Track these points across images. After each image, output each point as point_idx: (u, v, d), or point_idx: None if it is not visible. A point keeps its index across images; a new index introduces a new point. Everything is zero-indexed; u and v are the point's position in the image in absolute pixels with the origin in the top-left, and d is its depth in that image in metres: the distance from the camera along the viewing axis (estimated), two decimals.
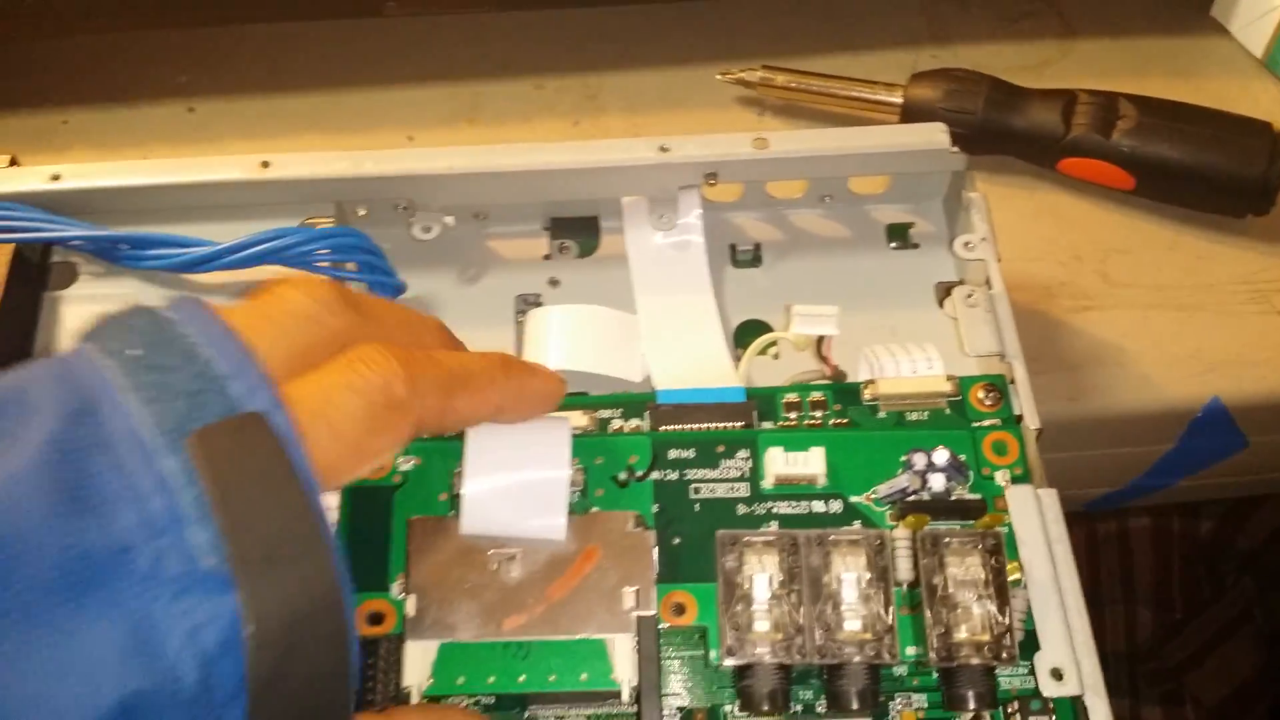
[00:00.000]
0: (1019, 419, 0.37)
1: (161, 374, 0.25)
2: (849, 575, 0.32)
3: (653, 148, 0.42)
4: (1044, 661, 0.32)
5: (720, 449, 0.36)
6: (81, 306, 0.42)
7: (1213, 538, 0.98)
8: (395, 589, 0.34)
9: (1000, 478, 0.35)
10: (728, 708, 0.33)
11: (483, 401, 0.31)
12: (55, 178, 0.41)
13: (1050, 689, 0.32)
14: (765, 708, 0.32)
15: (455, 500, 0.34)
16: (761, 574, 0.32)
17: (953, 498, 0.35)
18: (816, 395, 0.37)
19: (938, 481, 0.35)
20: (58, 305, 0.42)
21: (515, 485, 0.33)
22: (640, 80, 0.55)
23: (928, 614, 0.32)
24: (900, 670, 0.33)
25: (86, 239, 0.41)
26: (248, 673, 0.23)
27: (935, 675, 0.33)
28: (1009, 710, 0.32)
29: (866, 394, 0.37)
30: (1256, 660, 0.95)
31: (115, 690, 0.22)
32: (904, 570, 0.33)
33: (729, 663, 0.32)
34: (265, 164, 0.41)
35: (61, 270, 0.42)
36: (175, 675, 0.23)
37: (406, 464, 0.35)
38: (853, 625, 0.31)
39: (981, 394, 0.37)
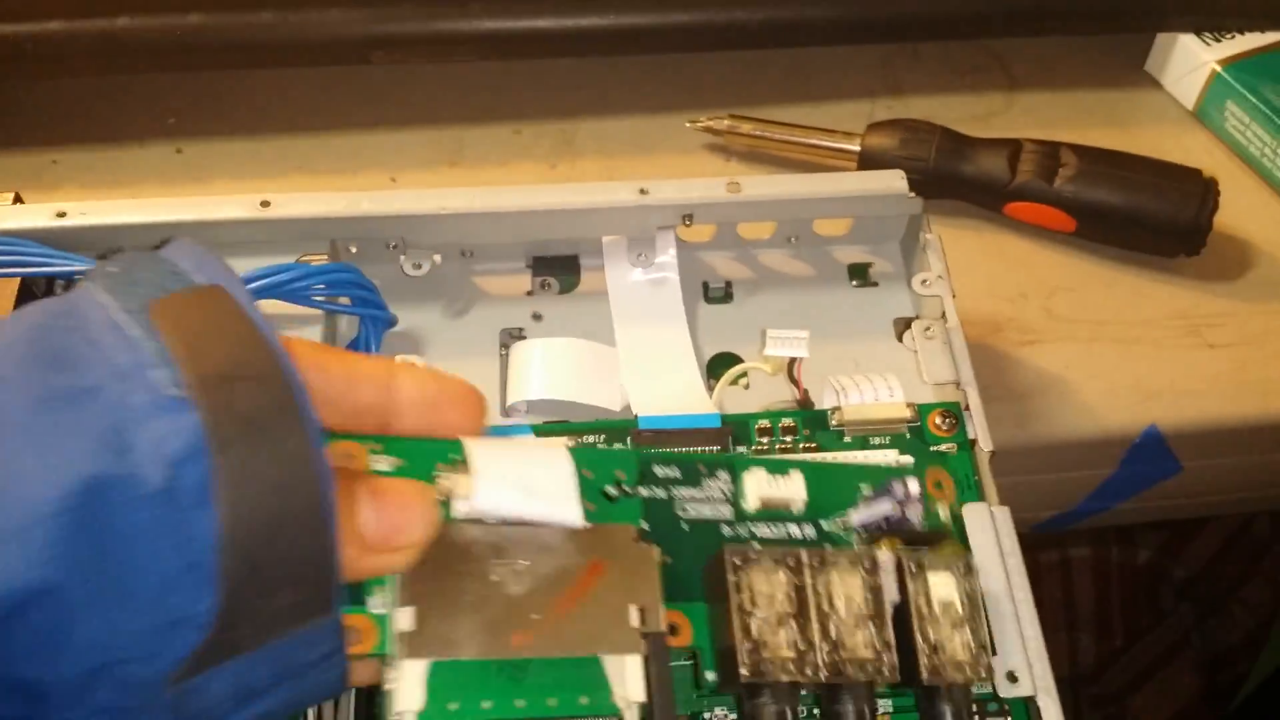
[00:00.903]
0: (973, 443, 0.40)
1: (134, 278, 0.27)
2: (849, 594, 0.33)
3: (633, 190, 0.44)
4: (1000, 665, 0.35)
5: (702, 469, 0.37)
6: None
7: (1150, 566, 1.02)
8: (374, 603, 0.30)
9: (943, 511, 0.38)
10: None
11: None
12: (60, 215, 0.43)
13: (1006, 690, 0.35)
14: None
15: (446, 505, 0.32)
16: (770, 591, 0.32)
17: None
18: (787, 421, 0.40)
19: (914, 511, 0.36)
20: None
21: (526, 468, 0.32)
22: (614, 126, 0.58)
23: (918, 634, 0.33)
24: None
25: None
26: (210, 476, 0.24)
27: (913, 694, 0.34)
28: (969, 712, 0.35)
29: (833, 420, 0.40)
30: (1196, 684, 0.99)
31: (82, 469, 0.24)
32: (891, 590, 0.34)
33: (747, 680, 0.31)
34: (265, 203, 0.44)
35: None
36: (140, 471, 0.24)
37: (384, 464, 0.32)
38: (854, 643, 0.32)
39: (939, 419, 0.40)
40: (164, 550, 0.24)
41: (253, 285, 0.42)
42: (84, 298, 0.27)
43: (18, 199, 0.45)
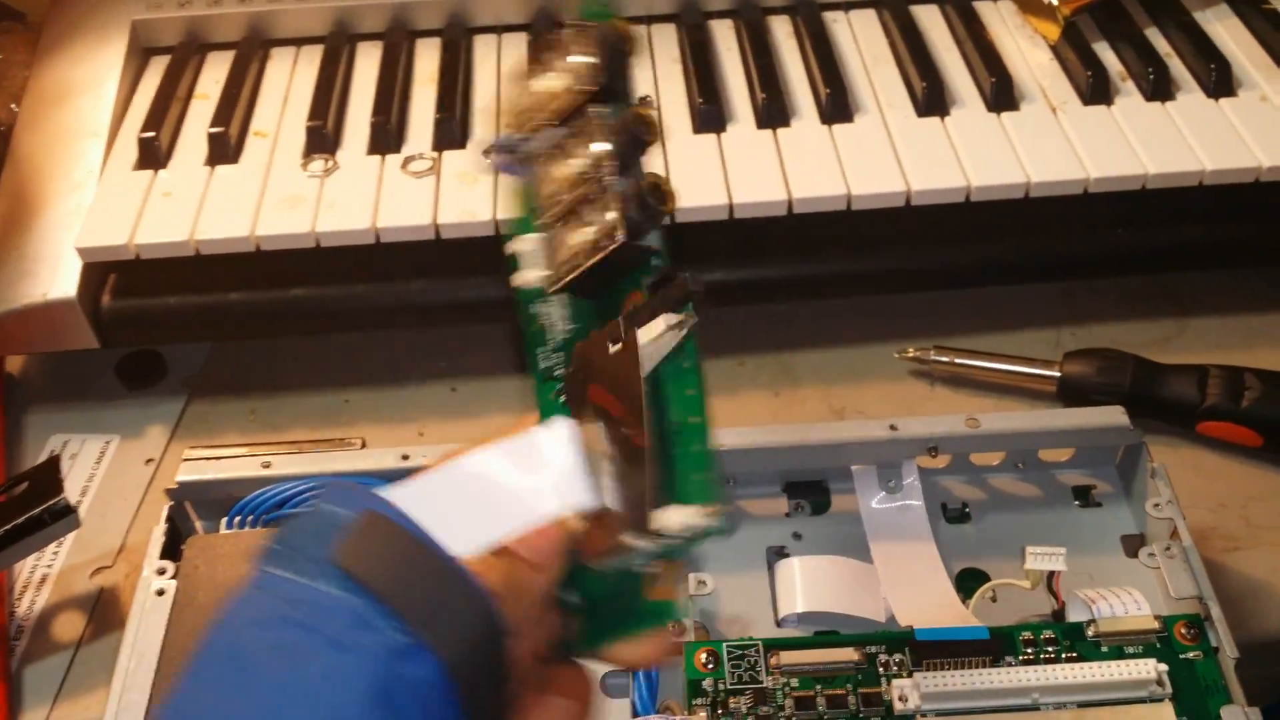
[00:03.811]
0: (1217, 650, 0.45)
1: (295, 541, 0.31)
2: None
3: (884, 428, 0.52)
4: None
5: None
6: None
7: None
8: None
9: None
10: None
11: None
12: (404, 458, 0.52)
13: None
14: None
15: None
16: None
17: None
18: (1048, 633, 0.46)
19: None
20: None
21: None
22: (828, 357, 0.66)
23: None
24: None
25: None
26: (459, 703, 0.29)
27: None
28: None
29: (1090, 631, 0.46)
30: None
31: None
32: None
33: None
34: None
35: None
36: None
37: None
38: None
39: (1184, 629, 0.45)
40: None
41: None
42: (270, 579, 0.30)
43: (364, 444, 0.54)
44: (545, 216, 0.36)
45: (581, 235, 0.35)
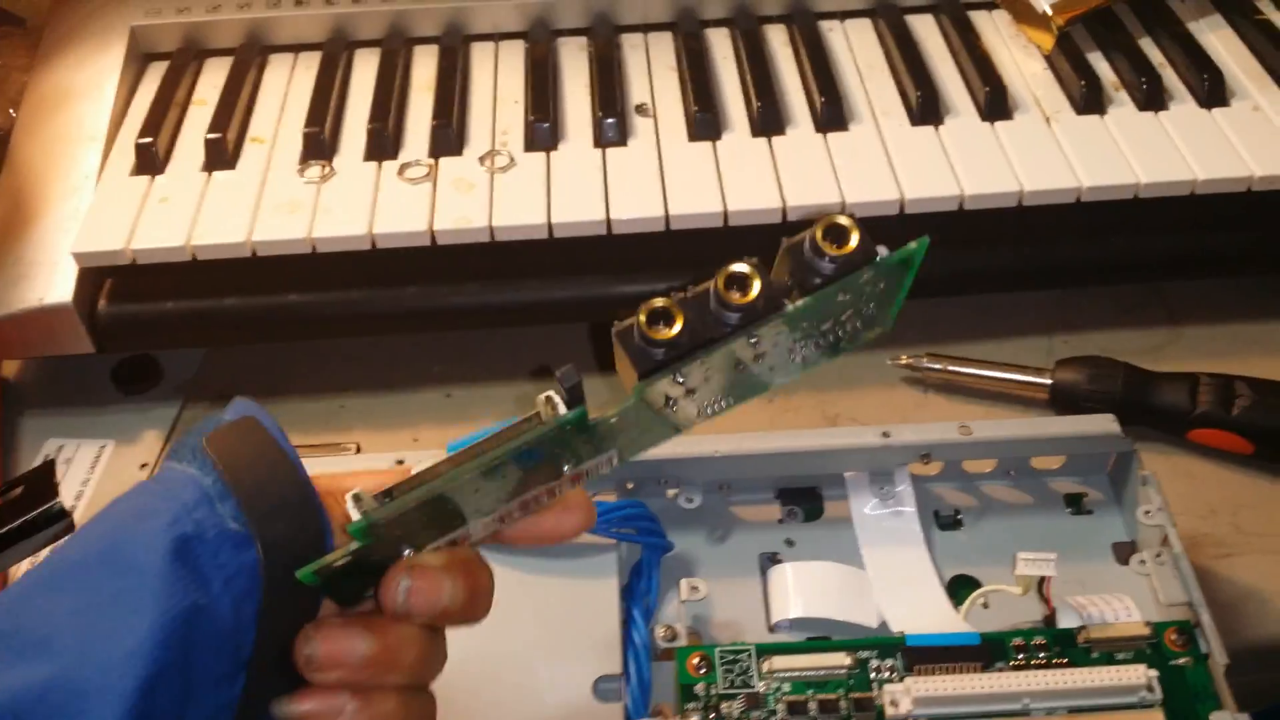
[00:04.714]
0: (1207, 656, 0.45)
1: (188, 435, 0.36)
2: None
3: (877, 434, 0.52)
4: None
5: None
6: None
7: None
8: None
9: None
10: None
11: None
12: (399, 462, 0.52)
13: None
14: None
15: None
16: None
17: None
18: (1039, 639, 0.46)
19: None
20: None
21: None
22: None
23: None
24: None
25: None
26: (261, 607, 0.33)
27: None
28: None
29: (1080, 638, 0.46)
30: None
31: (168, 599, 0.32)
32: None
33: None
34: None
35: None
36: (218, 606, 0.32)
37: None
38: None
39: (1174, 635, 0.46)
40: (224, 660, 0.33)
41: None
42: (162, 466, 0.36)
43: (359, 449, 0.54)
44: None
45: None
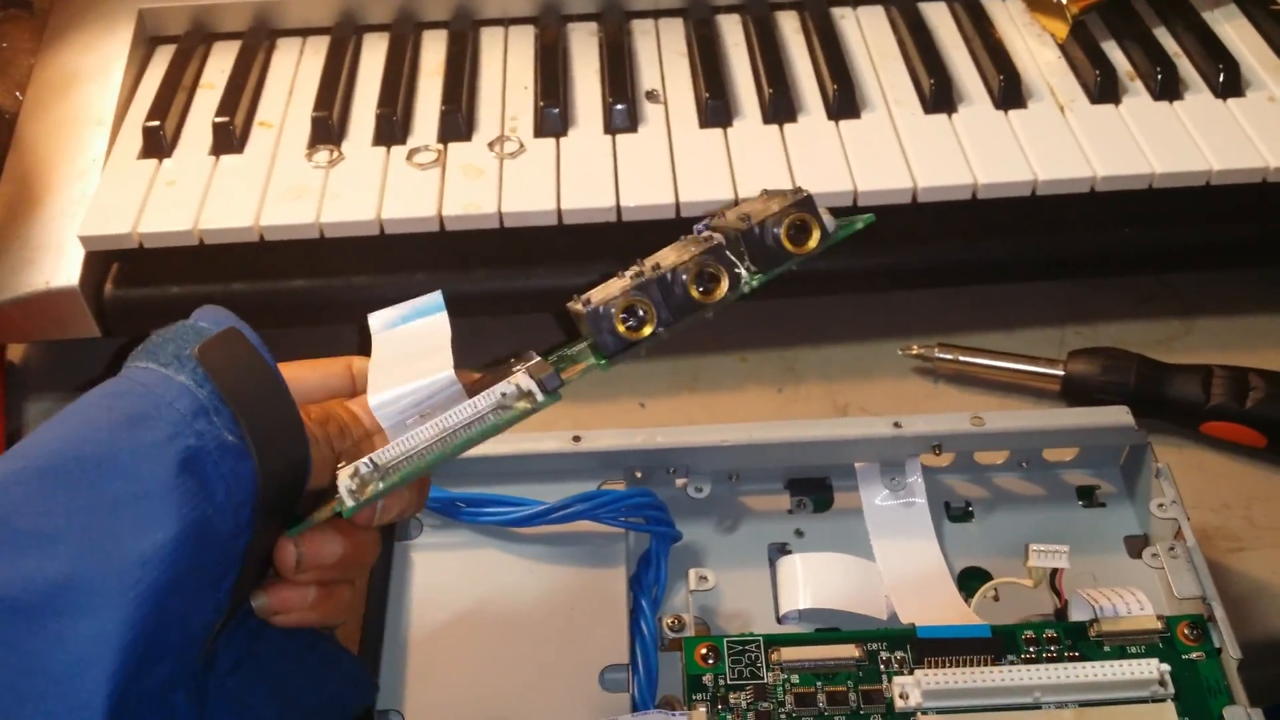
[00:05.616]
0: (1219, 650, 0.45)
1: (164, 341, 0.37)
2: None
3: (888, 424, 0.52)
4: None
5: None
6: (426, 554, 0.51)
7: None
8: None
9: None
10: None
11: None
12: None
13: None
14: None
15: None
16: None
17: None
18: (1050, 632, 0.46)
19: None
20: (407, 552, 0.51)
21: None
22: (831, 353, 0.66)
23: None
24: None
25: (432, 500, 0.51)
26: (255, 519, 0.35)
27: None
28: None
29: (1092, 631, 0.46)
30: None
31: (182, 511, 0.33)
32: None
33: None
34: (577, 438, 0.51)
35: (409, 524, 0.52)
36: (220, 516, 0.34)
37: None
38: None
39: (1187, 629, 0.45)
40: (221, 561, 0.35)
41: (573, 509, 0.50)
42: (134, 369, 0.36)
43: None
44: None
45: None
